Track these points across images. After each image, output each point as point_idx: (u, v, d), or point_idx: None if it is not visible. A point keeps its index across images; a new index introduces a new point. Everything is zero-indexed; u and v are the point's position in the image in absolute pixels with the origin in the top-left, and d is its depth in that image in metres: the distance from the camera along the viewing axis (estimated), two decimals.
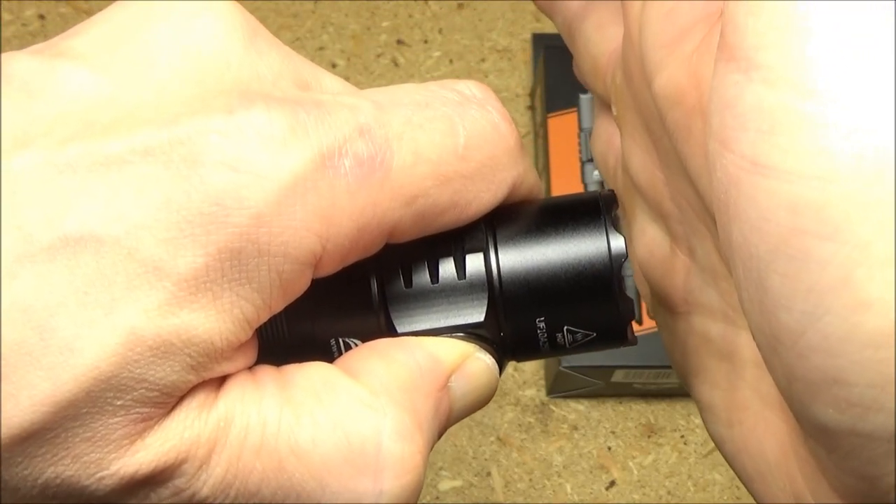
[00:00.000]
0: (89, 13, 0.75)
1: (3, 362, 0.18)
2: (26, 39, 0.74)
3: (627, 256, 0.22)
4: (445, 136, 0.21)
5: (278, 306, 0.20)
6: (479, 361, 0.23)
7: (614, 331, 0.23)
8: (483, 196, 0.22)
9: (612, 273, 0.22)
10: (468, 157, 0.21)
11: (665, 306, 0.27)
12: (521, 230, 0.22)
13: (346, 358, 0.22)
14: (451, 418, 0.22)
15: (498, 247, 0.22)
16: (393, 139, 0.20)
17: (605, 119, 0.29)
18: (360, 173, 0.20)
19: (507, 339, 0.23)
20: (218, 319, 0.19)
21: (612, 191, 0.23)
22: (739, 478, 0.25)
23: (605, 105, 0.29)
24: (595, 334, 0.23)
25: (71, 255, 0.18)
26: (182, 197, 0.19)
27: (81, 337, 0.18)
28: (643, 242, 0.27)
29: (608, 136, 0.29)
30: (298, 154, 0.19)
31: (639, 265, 0.27)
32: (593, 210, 0.23)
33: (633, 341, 0.23)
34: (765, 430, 0.23)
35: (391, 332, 0.22)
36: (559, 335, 0.22)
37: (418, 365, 0.22)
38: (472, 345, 0.22)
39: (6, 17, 0.74)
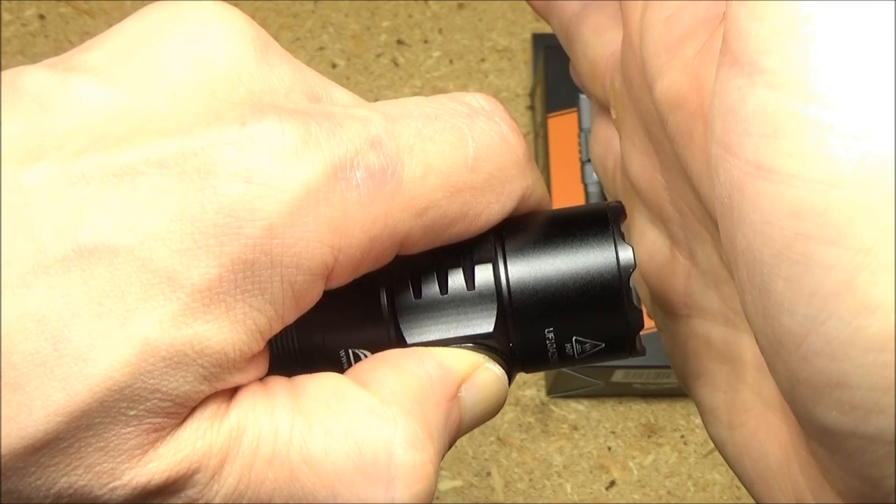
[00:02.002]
0: (89, 13, 0.75)
1: (17, 372, 0.18)
2: (26, 39, 0.73)
3: (636, 267, 0.22)
4: (455, 148, 0.21)
5: (290, 318, 0.20)
6: (488, 371, 0.23)
7: (623, 341, 0.23)
8: (492, 207, 0.22)
9: (622, 284, 0.22)
10: (477, 168, 0.22)
11: (665, 309, 0.27)
12: (529, 241, 0.23)
13: (357, 368, 0.22)
14: (461, 428, 0.23)
15: (507, 257, 0.22)
16: (404, 151, 0.20)
17: (604, 122, 0.29)
18: (372, 185, 0.20)
19: (517, 349, 0.23)
20: (231, 330, 0.19)
21: (620, 202, 0.24)
22: (741, 480, 0.25)
23: (603, 109, 0.29)
24: (604, 345, 0.23)
25: (85, 265, 0.18)
26: (196, 208, 0.19)
27: (95, 347, 0.18)
28: (643, 246, 0.27)
29: (607, 140, 0.29)
30: (310, 165, 0.19)
31: (638, 268, 0.28)
32: (601, 221, 0.23)
33: (642, 351, 0.23)
34: (766, 433, 0.23)
35: (401, 342, 0.22)
36: (568, 346, 0.23)
37: (428, 375, 0.22)
38: (482, 355, 0.23)
39: (6, 17, 0.74)
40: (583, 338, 0.22)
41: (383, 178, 0.20)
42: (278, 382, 0.21)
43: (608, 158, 0.29)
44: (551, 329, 0.22)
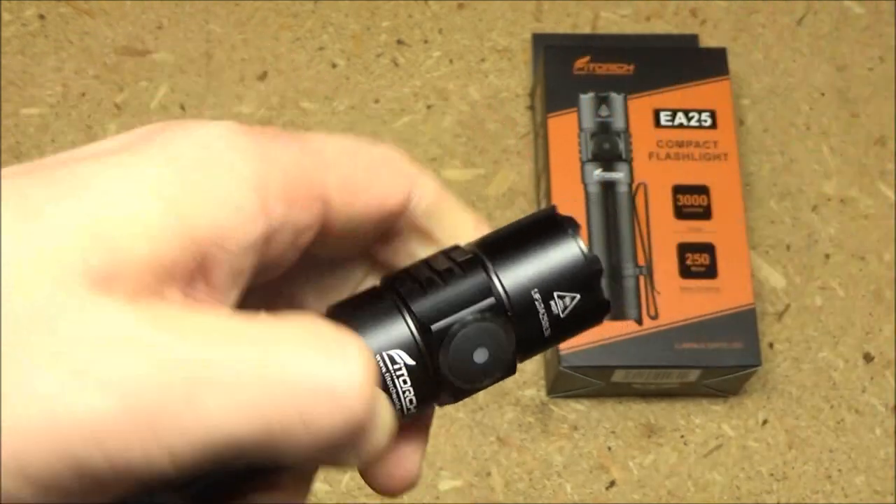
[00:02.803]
0: (89, 13, 0.75)
1: None
2: (26, 39, 0.74)
3: (575, 223, 0.25)
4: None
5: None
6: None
7: (590, 284, 0.26)
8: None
9: (569, 233, 0.26)
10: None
11: None
12: (491, 234, 0.26)
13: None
14: None
15: (485, 251, 0.26)
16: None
17: None
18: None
19: (513, 315, 0.25)
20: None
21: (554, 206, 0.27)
22: None
23: None
24: (579, 296, 0.25)
25: None
26: None
27: None
28: None
29: None
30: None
31: None
32: (545, 210, 0.27)
33: (607, 306, 0.26)
34: None
35: (425, 331, 0.24)
36: (552, 304, 0.25)
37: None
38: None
39: (6, 17, 0.74)
40: (561, 291, 0.25)
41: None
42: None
43: None
44: (536, 290, 0.25)
